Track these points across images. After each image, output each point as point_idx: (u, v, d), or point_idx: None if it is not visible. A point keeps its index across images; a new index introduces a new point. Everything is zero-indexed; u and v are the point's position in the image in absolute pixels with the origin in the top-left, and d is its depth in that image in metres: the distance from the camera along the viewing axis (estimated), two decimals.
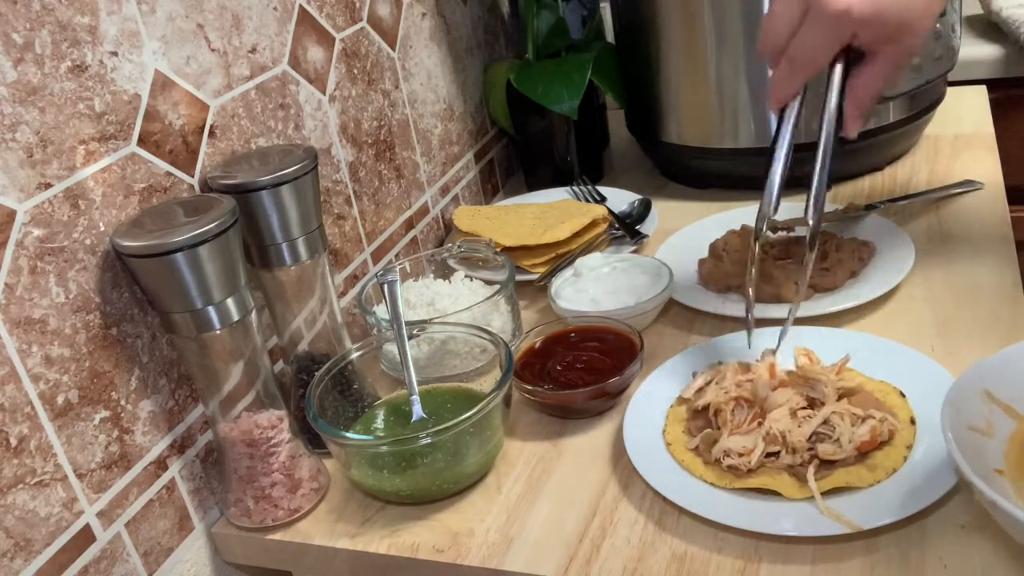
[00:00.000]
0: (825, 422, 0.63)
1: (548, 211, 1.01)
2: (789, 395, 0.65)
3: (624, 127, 1.19)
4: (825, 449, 0.61)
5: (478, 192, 1.20)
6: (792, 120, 0.64)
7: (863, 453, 0.61)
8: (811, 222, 0.64)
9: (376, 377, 0.79)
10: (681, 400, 0.71)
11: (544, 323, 0.81)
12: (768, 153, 0.64)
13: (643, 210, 1.03)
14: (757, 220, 0.66)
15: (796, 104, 0.64)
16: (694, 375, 0.72)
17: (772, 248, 0.90)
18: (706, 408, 0.67)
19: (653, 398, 0.72)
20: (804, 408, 0.64)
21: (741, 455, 0.62)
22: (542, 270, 0.93)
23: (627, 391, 0.74)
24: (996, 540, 0.55)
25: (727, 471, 0.62)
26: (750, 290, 0.71)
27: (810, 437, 0.62)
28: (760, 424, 0.64)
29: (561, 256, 0.94)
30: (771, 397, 0.65)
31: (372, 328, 0.81)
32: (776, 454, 0.62)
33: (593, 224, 0.97)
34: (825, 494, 0.59)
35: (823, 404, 0.64)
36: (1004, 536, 0.55)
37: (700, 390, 0.70)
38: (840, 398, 0.65)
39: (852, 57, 0.62)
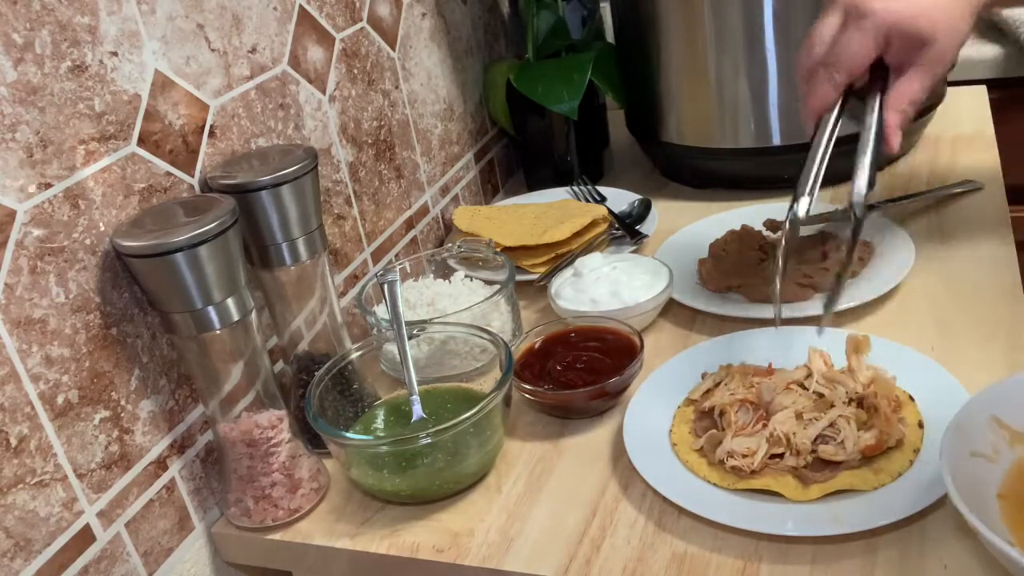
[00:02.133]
0: (831, 425, 0.62)
1: (548, 211, 1.01)
2: (795, 397, 0.65)
3: (624, 127, 1.19)
4: (826, 450, 0.61)
5: (478, 192, 1.20)
6: (829, 130, 0.67)
7: (869, 457, 0.61)
8: (858, 197, 0.66)
9: (376, 377, 0.79)
10: (688, 401, 0.71)
11: (544, 323, 0.81)
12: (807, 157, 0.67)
13: (643, 210, 1.03)
14: (792, 204, 0.67)
15: (834, 115, 0.67)
16: (703, 376, 0.72)
17: (772, 248, 0.90)
18: (712, 409, 0.67)
19: (653, 398, 0.72)
20: (810, 410, 0.64)
21: (744, 456, 0.62)
22: (542, 270, 0.93)
23: (627, 391, 0.74)
24: None
25: (731, 472, 0.62)
26: (777, 280, 0.69)
27: (815, 439, 0.62)
28: (765, 426, 0.64)
29: (561, 256, 0.94)
30: (776, 399, 0.65)
31: (372, 328, 0.81)
32: (780, 455, 0.62)
33: (593, 224, 0.96)
34: (829, 496, 0.59)
35: (832, 406, 0.64)
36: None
37: (708, 392, 0.70)
38: (851, 402, 0.65)
39: (888, 77, 0.66)
